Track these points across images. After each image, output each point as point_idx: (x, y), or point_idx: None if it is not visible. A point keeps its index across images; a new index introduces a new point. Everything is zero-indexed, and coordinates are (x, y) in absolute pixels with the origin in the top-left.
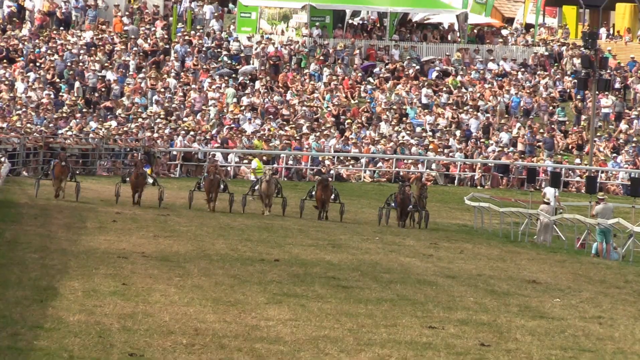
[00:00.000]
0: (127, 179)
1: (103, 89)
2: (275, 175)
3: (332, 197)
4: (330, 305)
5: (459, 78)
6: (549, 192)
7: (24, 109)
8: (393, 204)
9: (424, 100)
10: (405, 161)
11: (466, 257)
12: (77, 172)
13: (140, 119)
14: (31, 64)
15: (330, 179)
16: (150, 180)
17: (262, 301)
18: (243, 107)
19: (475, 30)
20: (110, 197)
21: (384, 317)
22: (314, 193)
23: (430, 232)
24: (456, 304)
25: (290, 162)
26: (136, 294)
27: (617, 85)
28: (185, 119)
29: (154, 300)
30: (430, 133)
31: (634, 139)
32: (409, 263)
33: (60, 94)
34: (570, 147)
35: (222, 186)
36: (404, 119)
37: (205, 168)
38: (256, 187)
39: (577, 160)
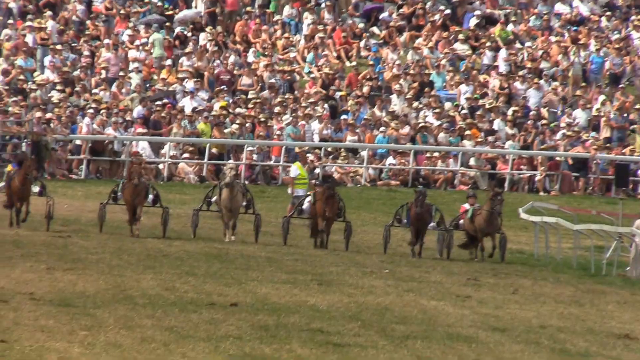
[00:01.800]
0: (1, 184)
1: None
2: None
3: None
4: None
5: (510, 27)
6: None
7: None
8: (405, 221)
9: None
10: (428, 154)
11: (522, 299)
12: None
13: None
14: None
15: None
16: (35, 189)
17: None
18: (182, 75)
19: None
20: None
21: None
22: (304, 207)
23: (466, 262)
24: None
25: (255, 156)
26: (21, 356)
27: None
28: (94, 92)
29: None
30: (466, 111)
31: None
32: (435, 308)
33: None
34: None
35: (151, 196)
36: (427, 90)
37: (126, 168)
38: (213, 199)
39: None
